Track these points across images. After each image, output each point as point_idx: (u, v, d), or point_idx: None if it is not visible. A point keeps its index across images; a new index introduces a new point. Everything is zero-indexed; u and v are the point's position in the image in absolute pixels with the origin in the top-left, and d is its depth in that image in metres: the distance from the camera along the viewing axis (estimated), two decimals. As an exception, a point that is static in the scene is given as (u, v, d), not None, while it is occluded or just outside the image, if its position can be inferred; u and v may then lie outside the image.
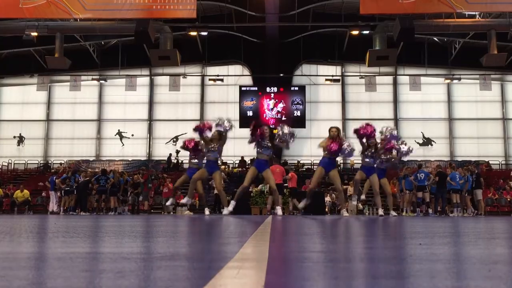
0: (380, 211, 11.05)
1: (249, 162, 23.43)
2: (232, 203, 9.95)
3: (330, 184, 18.24)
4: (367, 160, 10.67)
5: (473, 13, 20.82)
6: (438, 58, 26.92)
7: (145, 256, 2.04)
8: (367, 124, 10.46)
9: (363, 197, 12.06)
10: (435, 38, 26.58)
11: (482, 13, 20.57)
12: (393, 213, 11.32)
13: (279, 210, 10.07)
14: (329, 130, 9.93)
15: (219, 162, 11.12)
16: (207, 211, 11.25)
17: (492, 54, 19.11)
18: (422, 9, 18.39)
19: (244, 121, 26.47)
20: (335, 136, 9.72)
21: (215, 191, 15.08)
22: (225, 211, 9.97)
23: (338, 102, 28.83)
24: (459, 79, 26.92)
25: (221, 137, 10.18)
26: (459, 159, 26.89)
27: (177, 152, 24.86)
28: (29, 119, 29.14)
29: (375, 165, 10.69)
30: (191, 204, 13.28)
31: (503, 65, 20.58)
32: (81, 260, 1.88)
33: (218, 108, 28.85)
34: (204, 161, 10.91)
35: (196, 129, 10.36)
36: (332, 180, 10.30)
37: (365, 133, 10.36)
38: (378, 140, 10.90)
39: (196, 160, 11.46)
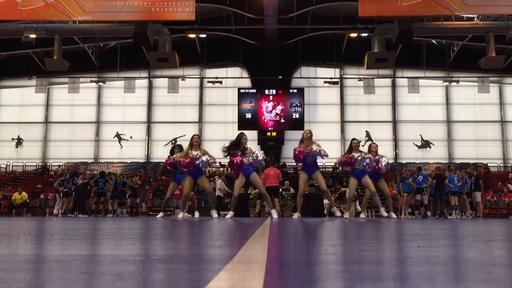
0: (383, 212, 10.96)
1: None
2: (231, 213, 9.98)
3: (328, 186, 18.21)
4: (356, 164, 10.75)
5: (471, 15, 20.87)
6: (436, 61, 26.97)
7: (143, 258, 2.04)
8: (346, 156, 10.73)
9: (362, 215, 12.02)
10: (434, 41, 26.64)
11: (480, 16, 20.61)
12: (393, 215, 11.32)
13: (274, 214, 9.99)
14: (302, 134, 10.32)
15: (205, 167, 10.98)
16: (181, 215, 10.86)
17: (490, 57, 19.14)
18: (420, 11, 18.41)
19: (242, 124, 26.49)
20: (307, 138, 9.99)
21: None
22: (214, 214, 10.20)
23: (336, 105, 28.86)
24: (458, 81, 26.97)
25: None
26: (458, 161, 26.94)
27: (176, 154, 24.82)
28: (27, 121, 29.12)
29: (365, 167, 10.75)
30: (188, 206, 13.23)
31: (501, 67, 20.61)
32: (79, 262, 1.87)
33: (217, 110, 28.89)
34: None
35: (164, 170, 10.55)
36: (316, 181, 10.34)
37: (346, 162, 10.69)
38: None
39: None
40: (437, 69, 27.65)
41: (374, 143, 11.59)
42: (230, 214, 9.94)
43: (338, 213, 10.63)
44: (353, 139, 11.08)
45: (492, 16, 20.36)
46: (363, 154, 10.67)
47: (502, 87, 28.75)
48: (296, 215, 10.42)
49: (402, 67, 27.12)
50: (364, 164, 10.44)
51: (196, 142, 10.21)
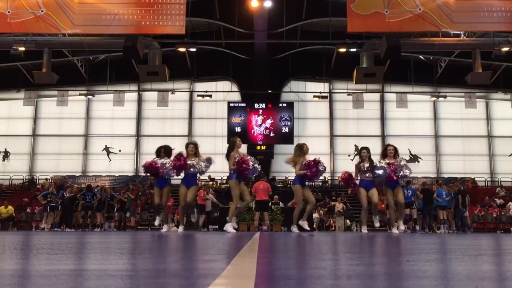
0: (395, 230, 10.59)
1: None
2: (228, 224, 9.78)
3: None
4: (366, 175, 10.48)
5: (458, 32, 21.19)
6: (424, 76, 27.31)
7: (131, 273, 2.01)
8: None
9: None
10: (421, 57, 26.98)
11: (466, 32, 20.94)
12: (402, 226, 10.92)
13: (230, 227, 9.63)
14: (302, 146, 10.28)
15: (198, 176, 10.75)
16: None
17: (477, 73, 19.37)
18: (408, 27, 18.65)
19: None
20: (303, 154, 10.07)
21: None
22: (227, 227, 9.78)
23: (326, 119, 29.02)
24: (445, 96, 27.29)
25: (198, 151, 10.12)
26: (446, 175, 27.14)
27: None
28: (15, 134, 28.86)
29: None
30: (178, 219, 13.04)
31: (488, 83, 20.86)
32: (66, 277, 1.85)
33: (206, 124, 28.89)
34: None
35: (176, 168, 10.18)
36: (306, 196, 10.14)
37: (344, 180, 10.79)
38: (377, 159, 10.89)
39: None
40: (424, 85, 27.97)
41: (391, 146, 10.70)
42: (227, 226, 9.70)
43: (307, 227, 10.31)
44: (362, 148, 10.78)
45: (479, 32, 20.69)
46: (374, 164, 10.44)
47: (488, 103, 29.13)
48: (294, 229, 10.17)
49: (391, 82, 27.40)
50: (376, 175, 10.20)
51: (191, 151, 10.11)
